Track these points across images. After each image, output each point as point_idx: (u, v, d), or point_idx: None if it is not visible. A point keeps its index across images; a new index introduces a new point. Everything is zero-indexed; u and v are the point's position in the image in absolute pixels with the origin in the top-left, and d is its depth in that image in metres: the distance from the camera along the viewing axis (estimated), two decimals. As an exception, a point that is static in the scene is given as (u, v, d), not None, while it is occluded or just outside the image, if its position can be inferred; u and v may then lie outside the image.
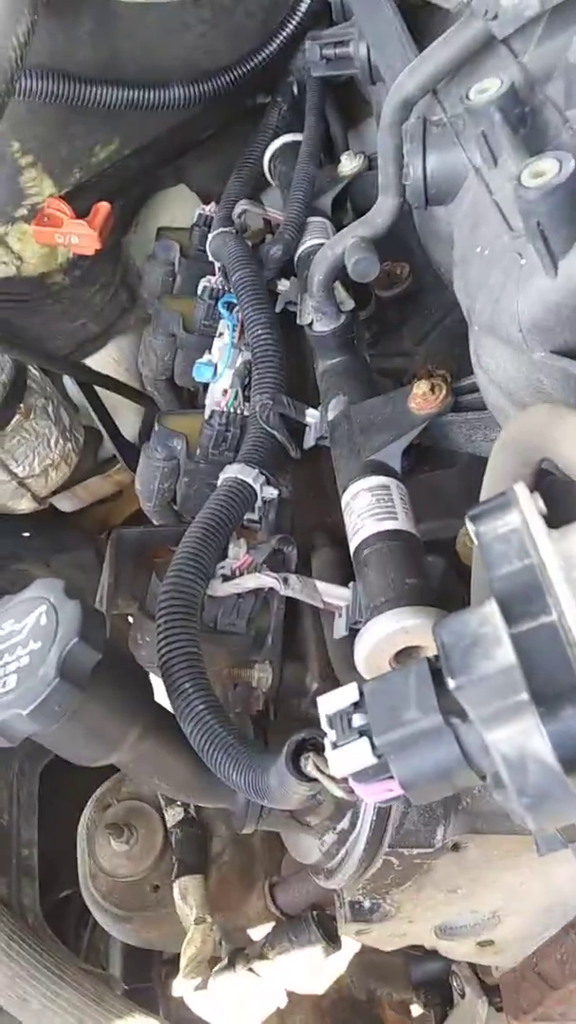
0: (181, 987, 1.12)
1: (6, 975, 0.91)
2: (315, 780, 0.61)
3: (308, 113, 1.35)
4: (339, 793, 0.58)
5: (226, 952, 1.21)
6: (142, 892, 1.30)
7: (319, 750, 0.61)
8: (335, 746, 0.55)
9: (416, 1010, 1.42)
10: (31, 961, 0.92)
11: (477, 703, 0.47)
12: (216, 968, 1.07)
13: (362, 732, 0.54)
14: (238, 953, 1.08)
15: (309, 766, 0.61)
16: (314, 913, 1.07)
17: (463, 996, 1.28)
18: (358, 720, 0.55)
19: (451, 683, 0.48)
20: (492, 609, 0.47)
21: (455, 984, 1.31)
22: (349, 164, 1.27)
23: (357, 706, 0.56)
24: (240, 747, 0.73)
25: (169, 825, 1.30)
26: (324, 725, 0.57)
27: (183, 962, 1.12)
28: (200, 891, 1.20)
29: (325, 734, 0.60)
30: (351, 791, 0.57)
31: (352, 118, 1.49)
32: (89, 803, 1.36)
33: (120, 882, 1.29)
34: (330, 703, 0.57)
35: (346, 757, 0.55)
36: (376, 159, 1.28)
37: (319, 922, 1.06)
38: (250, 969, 1.05)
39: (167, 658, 0.80)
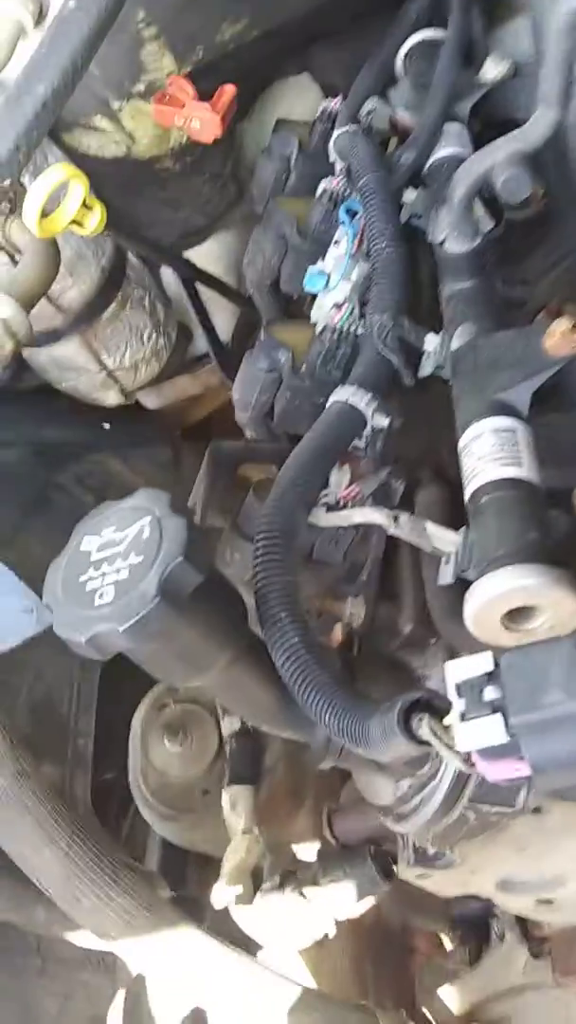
0: (221, 895, 1.13)
1: (63, 874, 0.91)
2: (427, 743, 0.57)
3: (454, 8, 1.25)
4: (457, 763, 0.55)
5: (269, 866, 1.22)
6: (191, 794, 1.31)
7: (435, 713, 0.58)
8: (463, 717, 0.52)
9: (448, 943, 1.43)
10: (88, 863, 0.92)
11: None
12: (265, 886, 1.08)
13: (495, 707, 0.51)
14: (289, 875, 1.08)
15: (424, 729, 0.57)
16: (371, 847, 1.06)
17: (502, 939, 1.29)
18: (491, 693, 0.52)
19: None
20: None
21: (495, 927, 1.31)
22: (494, 69, 1.18)
23: (491, 677, 0.52)
24: (336, 688, 0.70)
25: (225, 734, 1.30)
26: (451, 692, 0.54)
27: (225, 869, 1.13)
28: (249, 802, 1.21)
29: (442, 696, 0.57)
30: (471, 764, 0.54)
31: (492, 20, 1.39)
32: (145, 699, 1.36)
33: (171, 782, 1.31)
34: (460, 670, 0.54)
35: (475, 732, 0.52)
36: (523, 66, 1.20)
37: (375, 857, 1.05)
38: (300, 893, 1.05)
39: (263, 585, 0.77)
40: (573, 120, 0.89)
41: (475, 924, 1.37)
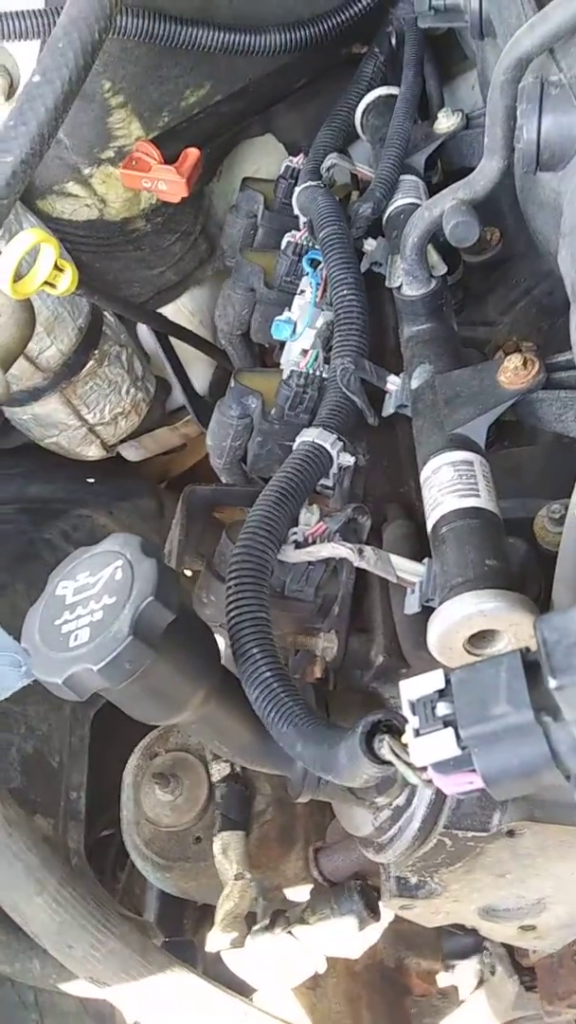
0: (216, 941, 1.13)
1: (54, 922, 0.92)
2: (389, 763, 0.59)
3: (406, 66, 1.31)
4: (415, 781, 0.57)
5: (262, 910, 1.22)
6: (184, 843, 1.31)
7: (395, 733, 0.60)
8: (417, 733, 0.54)
9: (443, 980, 1.43)
10: (79, 909, 0.93)
11: (577, 705, 0.45)
12: (255, 928, 1.08)
13: (447, 722, 0.53)
14: (278, 915, 1.08)
15: (384, 749, 0.59)
16: (357, 883, 1.07)
17: (493, 973, 1.28)
18: (443, 709, 0.54)
19: (552, 682, 0.46)
20: (603, 610, 0.45)
21: (486, 960, 1.31)
22: (446, 121, 1.23)
23: (443, 694, 0.54)
24: (307, 718, 0.72)
25: (214, 780, 1.31)
26: (406, 710, 0.56)
27: (219, 916, 1.13)
28: (241, 847, 1.21)
29: (400, 716, 0.59)
30: (428, 780, 0.55)
31: (445, 73, 1.45)
32: (136, 750, 1.37)
33: (163, 831, 1.31)
34: (414, 688, 0.56)
35: (429, 746, 0.53)
36: (474, 117, 1.25)
37: (361, 892, 1.06)
38: (289, 932, 1.05)
39: (236, 621, 0.79)
40: (519, 167, 0.93)
41: (467, 958, 1.37)
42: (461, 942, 1.34)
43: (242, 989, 1.05)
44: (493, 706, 0.51)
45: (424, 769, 0.55)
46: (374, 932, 1.21)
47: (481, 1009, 1.32)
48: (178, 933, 1.50)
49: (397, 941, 1.31)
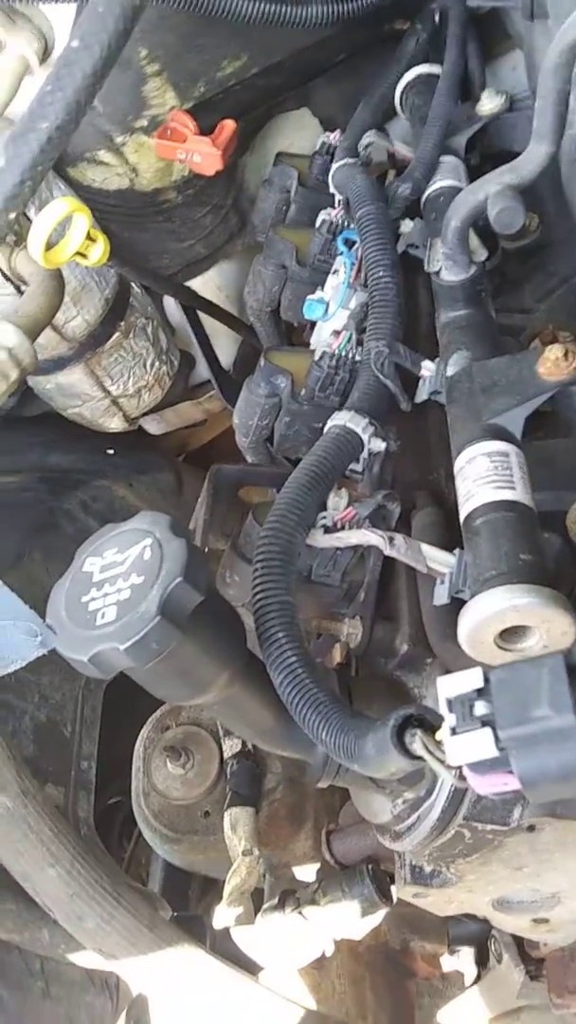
0: (222, 916, 1.13)
1: (65, 893, 0.92)
2: (420, 758, 0.59)
3: (449, 44, 1.28)
4: (449, 778, 0.56)
5: (269, 887, 1.22)
6: (193, 816, 1.32)
7: (427, 728, 0.59)
8: (454, 732, 0.53)
9: (447, 963, 1.43)
10: (90, 881, 0.93)
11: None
12: (265, 907, 1.08)
13: (485, 722, 0.52)
14: (288, 895, 1.09)
15: (416, 744, 0.59)
16: (369, 867, 1.07)
17: (500, 961, 1.29)
18: (481, 708, 0.53)
19: (598, 688, 0.45)
20: None
21: (493, 948, 1.32)
22: (489, 103, 1.21)
23: (481, 693, 0.53)
24: (332, 705, 0.72)
25: (226, 755, 1.31)
26: (443, 708, 0.55)
27: (226, 891, 1.14)
28: (250, 824, 1.21)
29: (433, 712, 0.58)
30: (463, 778, 0.55)
31: (488, 54, 1.42)
32: (148, 722, 1.37)
33: (172, 804, 1.32)
34: (451, 686, 0.55)
35: (466, 746, 0.53)
36: (518, 100, 1.23)
37: (373, 876, 1.06)
38: (300, 913, 1.06)
39: (262, 605, 0.78)
40: (568, 153, 0.92)
41: (473, 945, 1.37)
42: (468, 928, 1.35)
43: (249, 967, 1.06)
44: (534, 708, 0.50)
45: (459, 768, 0.54)
46: (379, 916, 1.22)
47: (485, 996, 1.33)
48: (182, 906, 1.51)
49: (402, 924, 1.32)
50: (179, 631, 0.68)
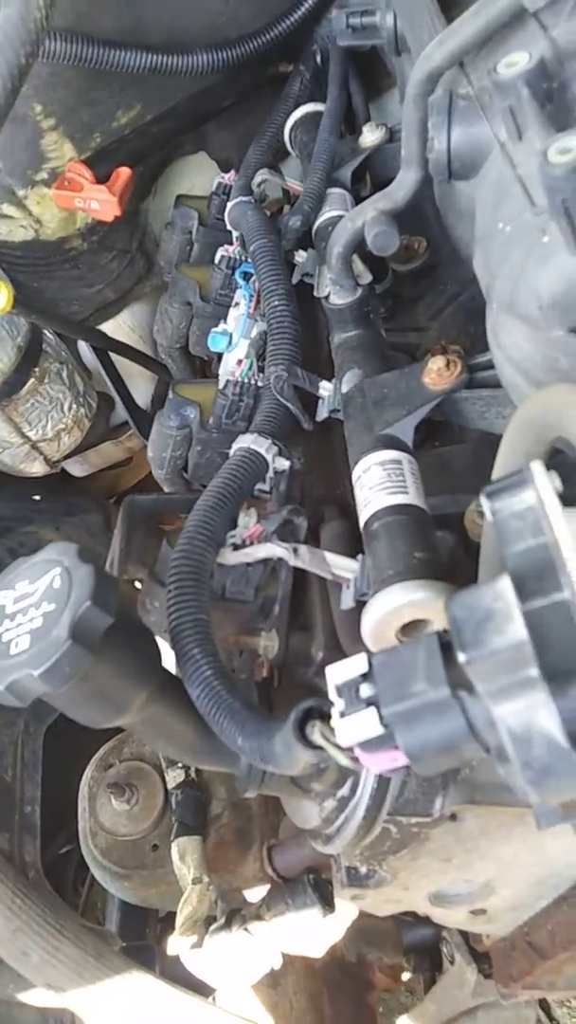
0: (176, 945, 1.14)
1: (8, 929, 0.93)
2: (321, 748, 0.62)
3: (331, 83, 1.34)
4: (345, 762, 0.59)
5: (222, 912, 1.23)
6: (141, 851, 1.33)
7: (326, 719, 0.62)
8: (343, 715, 0.57)
9: (406, 974, 1.45)
10: (33, 916, 0.94)
11: (486, 677, 0.48)
12: (212, 928, 1.10)
13: (370, 702, 0.56)
14: (234, 914, 1.10)
15: (315, 734, 0.62)
16: (310, 877, 1.09)
17: (452, 962, 1.31)
18: (366, 691, 0.56)
19: (461, 657, 0.49)
20: (505, 585, 0.48)
21: (445, 950, 1.34)
22: (371, 135, 1.26)
23: (366, 677, 0.57)
24: (246, 712, 0.74)
25: (170, 787, 1.32)
26: (332, 694, 0.58)
27: (179, 920, 1.15)
28: (198, 852, 1.23)
29: (332, 703, 0.61)
30: (357, 760, 0.58)
31: (374, 89, 1.48)
32: (92, 762, 1.38)
33: (120, 840, 1.32)
34: (339, 673, 0.58)
35: (353, 726, 0.56)
36: (398, 131, 1.29)
37: (315, 886, 1.08)
38: (246, 929, 1.07)
39: (176, 623, 0.81)
40: (435, 176, 0.97)
41: (427, 950, 1.39)
42: (420, 933, 1.37)
43: (202, 990, 1.07)
44: (412, 684, 0.54)
45: (351, 749, 0.58)
46: (335, 930, 1.24)
47: (442, 999, 1.34)
48: (142, 943, 1.51)
49: (357, 937, 1.33)
50: (91, 654, 0.70)
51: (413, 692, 0.53)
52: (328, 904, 1.07)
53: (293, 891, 1.08)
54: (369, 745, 0.56)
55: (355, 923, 1.28)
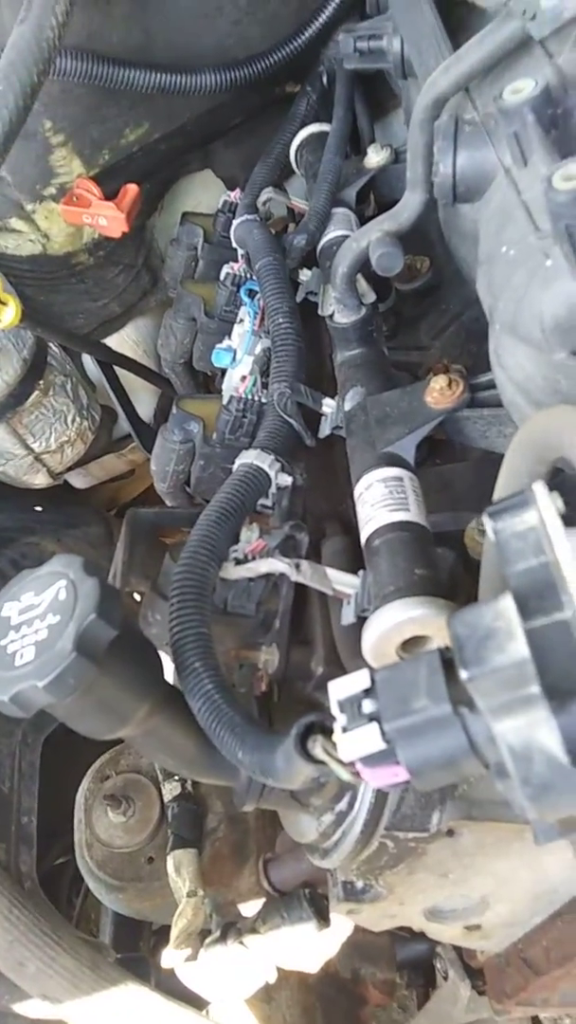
0: (171, 958, 1.14)
1: (5, 939, 0.93)
2: (322, 762, 0.62)
3: (336, 104, 1.36)
4: (346, 776, 0.60)
5: (217, 926, 1.24)
6: (136, 863, 1.33)
7: (327, 733, 0.63)
8: (345, 730, 0.57)
9: (400, 991, 1.45)
10: (29, 927, 0.94)
11: (488, 694, 0.49)
12: (207, 941, 1.10)
13: (372, 718, 0.56)
14: (229, 927, 1.10)
15: (317, 748, 0.62)
16: (306, 891, 1.09)
17: (446, 978, 1.31)
18: (368, 706, 0.57)
19: (463, 674, 0.50)
20: (507, 604, 0.49)
21: (439, 966, 1.34)
22: (376, 156, 1.28)
23: (368, 692, 0.57)
24: (247, 726, 0.75)
25: (166, 799, 1.33)
26: (334, 709, 0.59)
27: (174, 933, 1.15)
28: (193, 865, 1.23)
29: (334, 718, 0.62)
30: (358, 775, 0.59)
31: (379, 110, 1.50)
32: (88, 774, 1.38)
33: (115, 852, 1.32)
34: (341, 688, 0.59)
35: (355, 741, 0.57)
36: (403, 152, 1.31)
37: (311, 900, 1.08)
38: (241, 943, 1.07)
39: (178, 637, 0.82)
40: (440, 198, 0.98)
41: (420, 966, 1.39)
42: (414, 949, 1.37)
43: (196, 1003, 1.07)
44: (414, 700, 0.54)
45: (352, 764, 0.58)
46: (330, 945, 1.24)
47: (435, 1015, 1.34)
48: (137, 955, 1.51)
49: (351, 952, 1.34)
50: (95, 666, 0.71)
51: (415, 708, 0.54)
52: (324, 918, 1.07)
53: (289, 905, 1.08)
54: (371, 760, 0.56)
55: (350, 938, 1.28)
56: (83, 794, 1.37)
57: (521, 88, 0.76)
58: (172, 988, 1.07)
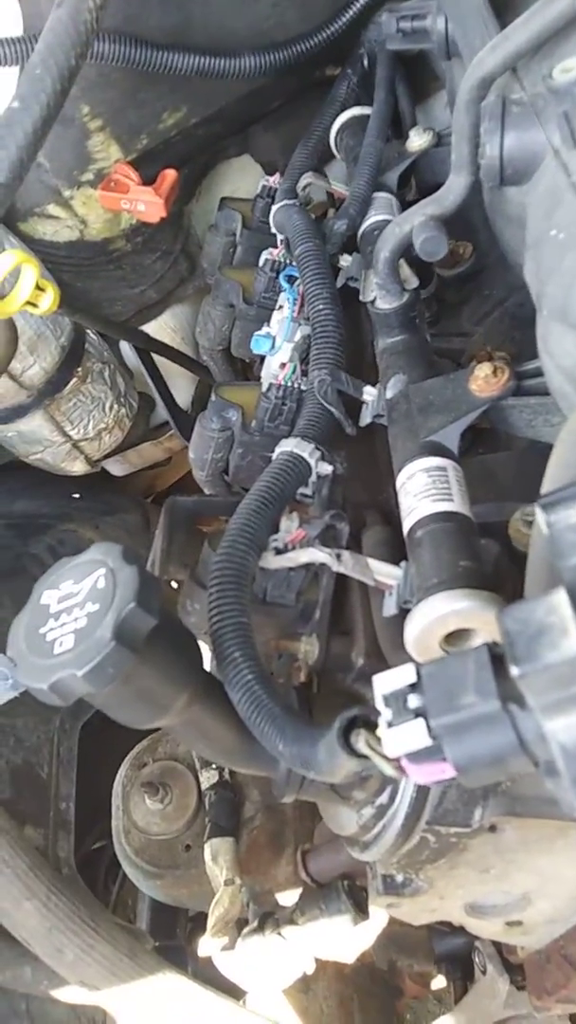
0: (207, 946, 1.15)
1: (43, 926, 0.93)
2: (365, 757, 0.61)
3: (378, 87, 1.34)
4: (390, 772, 0.59)
5: (254, 915, 1.24)
6: (174, 851, 1.34)
7: (371, 727, 0.62)
8: (390, 725, 0.56)
9: (436, 982, 1.44)
10: (68, 914, 0.94)
11: (539, 692, 0.48)
12: (245, 931, 1.10)
13: (418, 713, 0.55)
14: (267, 917, 1.10)
15: (361, 743, 0.61)
16: (345, 883, 1.09)
17: (484, 972, 1.30)
18: (414, 701, 0.56)
19: (514, 671, 0.48)
20: (561, 599, 0.48)
21: (477, 960, 1.33)
22: (418, 140, 1.26)
23: (414, 687, 0.56)
24: (287, 718, 0.74)
25: (203, 787, 1.33)
26: (379, 704, 0.58)
27: (210, 922, 1.15)
28: (231, 853, 1.23)
29: (377, 711, 0.61)
30: (402, 770, 0.58)
31: (421, 93, 1.48)
32: (126, 760, 1.39)
33: (153, 840, 1.33)
34: (387, 682, 0.58)
35: (401, 737, 0.55)
36: (445, 136, 1.28)
37: (349, 892, 1.08)
38: (279, 934, 1.07)
39: (218, 627, 0.81)
40: (486, 181, 0.96)
41: (458, 959, 1.38)
42: (451, 942, 1.36)
43: (233, 992, 1.07)
44: (462, 696, 0.53)
45: (397, 760, 0.57)
46: (367, 936, 1.24)
47: (472, 1010, 1.34)
48: (174, 943, 1.52)
49: (388, 944, 1.33)
50: (134, 655, 0.70)
51: (463, 704, 0.53)
52: (362, 911, 1.06)
53: (327, 896, 1.08)
54: (417, 756, 0.55)
55: (386, 930, 1.27)
56: (121, 781, 1.37)
57: (571, 67, 0.75)
58: (208, 977, 1.07)
